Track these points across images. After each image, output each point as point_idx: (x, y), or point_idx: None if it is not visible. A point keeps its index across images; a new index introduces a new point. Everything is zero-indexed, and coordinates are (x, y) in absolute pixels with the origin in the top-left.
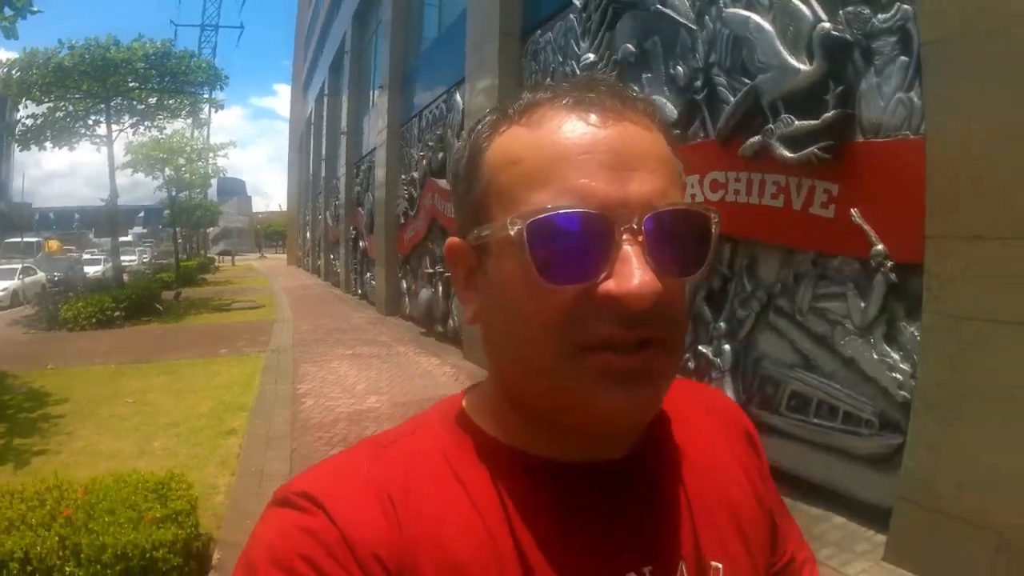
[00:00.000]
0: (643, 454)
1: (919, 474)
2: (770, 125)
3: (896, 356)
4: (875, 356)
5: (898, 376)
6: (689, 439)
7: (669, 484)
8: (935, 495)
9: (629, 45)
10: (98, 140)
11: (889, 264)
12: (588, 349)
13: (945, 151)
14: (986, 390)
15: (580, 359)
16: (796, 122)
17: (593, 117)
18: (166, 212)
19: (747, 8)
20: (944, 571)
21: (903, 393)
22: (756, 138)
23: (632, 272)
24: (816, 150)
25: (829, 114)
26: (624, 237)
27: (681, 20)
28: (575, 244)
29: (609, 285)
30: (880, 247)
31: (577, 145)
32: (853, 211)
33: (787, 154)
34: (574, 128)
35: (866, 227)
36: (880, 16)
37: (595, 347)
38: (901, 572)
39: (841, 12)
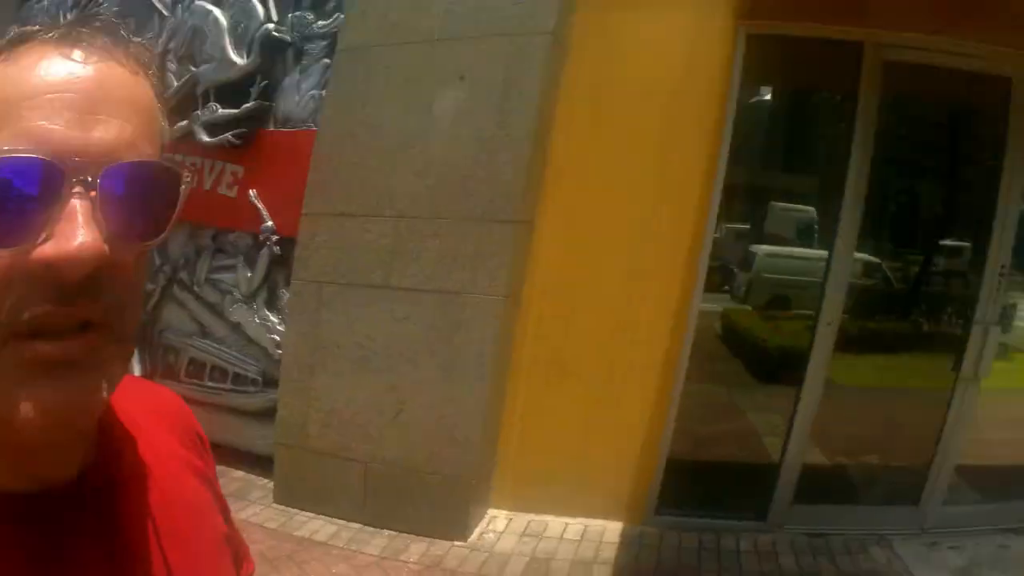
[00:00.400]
0: (95, 474)
1: (291, 420)
2: (198, 111)
3: (275, 319)
4: (257, 320)
5: (276, 337)
6: (147, 449)
7: (131, 505)
8: (306, 437)
9: None
10: None
11: (275, 238)
12: (18, 336)
13: (329, 142)
14: (340, 341)
15: (7, 349)
16: (220, 110)
17: (76, 53)
18: None
19: (214, 3)
20: (323, 502)
21: (280, 352)
22: (184, 122)
23: (74, 232)
24: (230, 136)
25: (248, 104)
26: (75, 191)
27: (158, 5)
28: (13, 199)
29: (46, 249)
30: (270, 223)
31: (47, 83)
32: (251, 192)
33: (205, 138)
34: (50, 65)
35: (260, 205)
36: (320, 22)
37: (26, 332)
38: (289, 510)
39: (290, 15)
